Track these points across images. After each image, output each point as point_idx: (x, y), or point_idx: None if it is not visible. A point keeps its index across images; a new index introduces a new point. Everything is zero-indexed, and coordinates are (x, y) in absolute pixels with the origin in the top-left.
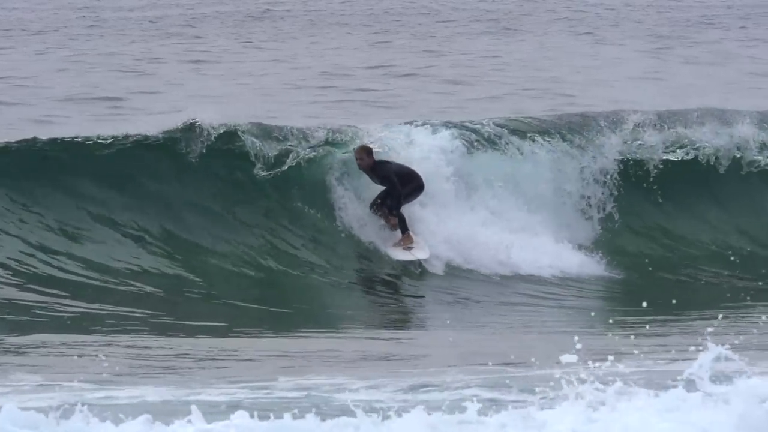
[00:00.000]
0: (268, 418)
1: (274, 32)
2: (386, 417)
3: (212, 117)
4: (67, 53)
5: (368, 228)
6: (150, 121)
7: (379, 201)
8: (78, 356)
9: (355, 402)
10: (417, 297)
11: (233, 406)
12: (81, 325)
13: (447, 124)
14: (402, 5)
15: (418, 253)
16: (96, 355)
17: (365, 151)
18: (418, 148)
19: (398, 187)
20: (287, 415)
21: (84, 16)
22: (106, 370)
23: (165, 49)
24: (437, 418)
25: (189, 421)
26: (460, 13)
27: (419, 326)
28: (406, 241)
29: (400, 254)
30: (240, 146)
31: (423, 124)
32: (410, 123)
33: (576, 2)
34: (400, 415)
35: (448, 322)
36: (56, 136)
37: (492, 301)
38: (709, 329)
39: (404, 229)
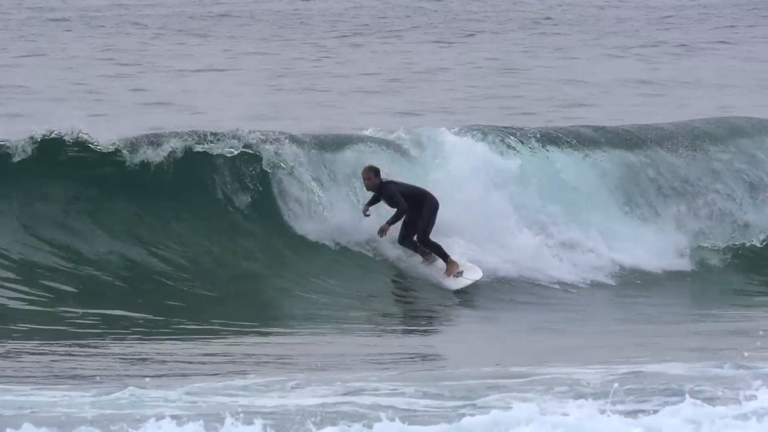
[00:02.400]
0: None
1: (226, 34)
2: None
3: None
4: (18, 53)
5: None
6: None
7: (404, 233)
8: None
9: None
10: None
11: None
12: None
13: (494, 130)
14: (353, 7)
15: (471, 275)
16: (19, 356)
17: (372, 171)
18: (469, 159)
19: (404, 206)
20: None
21: (31, 17)
22: (35, 373)
23: (126, 45)
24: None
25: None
26: (410, 11)
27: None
28: (452, 268)
29: (454, 284)
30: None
31: (482, 133)
32: (456, 130)
33: (527, 6)
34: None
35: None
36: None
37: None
38: None
39: (445, 257)
